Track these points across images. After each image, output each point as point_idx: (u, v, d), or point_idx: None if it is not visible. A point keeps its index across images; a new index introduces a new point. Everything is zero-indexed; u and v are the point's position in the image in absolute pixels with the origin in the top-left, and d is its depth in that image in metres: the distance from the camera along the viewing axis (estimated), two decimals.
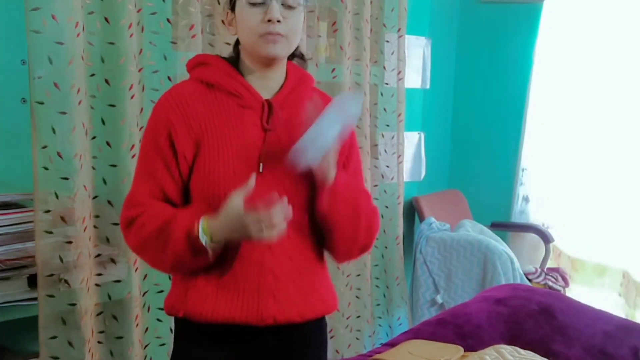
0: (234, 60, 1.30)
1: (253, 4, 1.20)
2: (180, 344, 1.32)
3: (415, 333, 1.58)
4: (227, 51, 1.95)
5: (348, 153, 1.33)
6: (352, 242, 1.29)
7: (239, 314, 1.21)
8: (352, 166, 1.34)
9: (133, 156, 1.79)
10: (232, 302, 1.21)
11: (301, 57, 1.38)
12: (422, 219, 3.11)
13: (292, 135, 1.22)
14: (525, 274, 2.88)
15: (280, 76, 1.30)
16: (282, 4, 1.20)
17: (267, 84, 1.28)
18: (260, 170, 1.22)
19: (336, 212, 1.23)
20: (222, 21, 1.96)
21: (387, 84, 2.84)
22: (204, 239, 1.14)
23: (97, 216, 1.78)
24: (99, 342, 1.81)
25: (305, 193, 1.25)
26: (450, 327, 1.51)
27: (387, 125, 2.88)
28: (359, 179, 1.38)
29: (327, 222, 1.25)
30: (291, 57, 1.33)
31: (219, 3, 1.97)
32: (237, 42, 1.31)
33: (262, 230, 1.11)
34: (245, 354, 1.26)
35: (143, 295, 1.90)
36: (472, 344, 1.43)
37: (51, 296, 1.61)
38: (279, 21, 1.19)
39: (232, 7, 1.25)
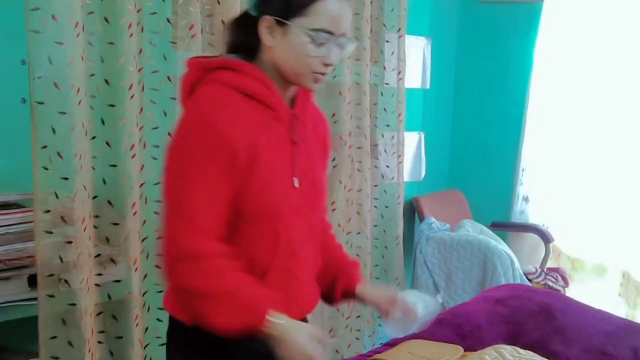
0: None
1: (316, 40, 1.17)
2: (180, 350, 1.29)
3: (415, 333, 1.57)
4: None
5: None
6: None
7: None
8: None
9: (133, 156, 1.79)
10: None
11: None
12: (422, 219, 3.11)
13: (309, 147, 1.28)
14: (525, 274, 2.88)
15: (294, 88, 1.28)
16: (338, 46, 1.21)
17: (286, 96, 1.26)
18: (296, 184, 1.24)
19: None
20: (222, 21, 1.96)
21: (387, 83, 2.84)
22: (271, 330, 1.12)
23: (97, 216, 1.78)
24: (99, 342, 1.81)
25: (325, 201, 1.35)
26: (450, 327, 1.51)
27: (387, 125, 2.88)
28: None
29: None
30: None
31: (218, 3, 1.97)
32: (254, 44, 1.23)
33: None
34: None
35: (143, 295, 1.90)
36: (472, 344, 1.43)
37: (51, 296, 1.61)
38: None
39: (280, 23, 1.18)
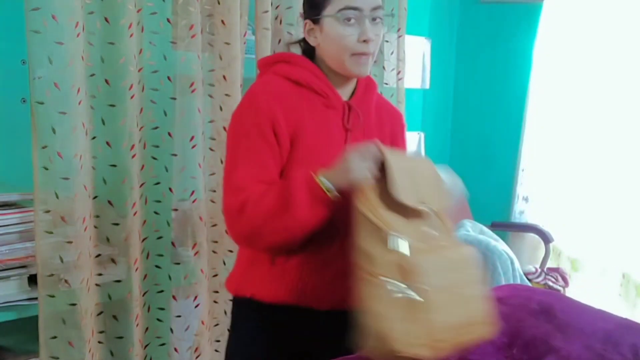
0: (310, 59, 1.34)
1: (347, 21, 1.22)
2: (243, 326, 1.39)
3: None
4: (226, 51, 1.98)
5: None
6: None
7: (302, 298, 1.28)
8: None
9: (133, 156, 1.79)
10: (296, 285, 1.29)
11: None
12: None
13: (367, 135, 1.32)
14: (525, 274, 2.88)
15: (353, 82, 1.36)
16: (372, 21, 1.24)
17: (343, 89, 1.34)
18: None
19: None
20: (222, 21, 1.96)
21: (386, 84, 2.84)
22: (324, 185, 1.17)
23: (97, 216, 1.78)
24: (99, 342, 1.81)
25: None
26: None
27: None
28: None
29: None
30: None
31: (218, 3, 1.97)
32: (306, 45, 1.35)
33: (360, 169, 1.15)
34: (303, 337, 1.33)
35: (143, 295, 1.90)
36: None
37: (51, 296, 1.61)
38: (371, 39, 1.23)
39: (315, 20, 1.27)
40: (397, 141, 1.44)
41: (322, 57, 1.31)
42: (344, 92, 1.35)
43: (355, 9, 1.21)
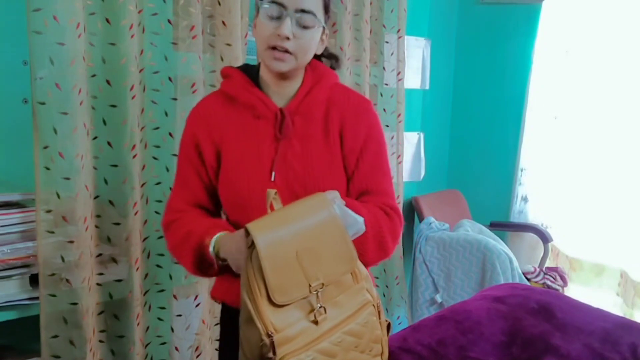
0: (256, 71, 1.34)
1: (270, 17, 1.22)
2: (223, 329, 1.46)
3: (415, 329, 1.58)
4: (227, 52, 1.99)
5: (363, 147, 1.32)
6: (378, 259, 1.32)
7: None
8: (367, 159, 1.33)
9: (134, 156, 1.80)
10: None
11: (330, 57, 1.39)
12: (421, 219, 3.12)
13: (307, 142, 1.28)
14: (524, 274, 2.89)
15: (296, 83, 1.32)
16: (298, 23, 1.22)
17: (282, 92, 1.32)
18: (272, 179, 1.26)
19: (364, 251, 1.25)
20: (223, 22, 1.97)
21: (386, 84, 2.85)
22: (212, 251, 1.23)
23: (98, 216, 1.79)
24: (100, 341, 1.82)
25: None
26: (450, 323, 1.52)
27: (387, 126, 2.89)
28: (378, 174, 1.34)
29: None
30: (319, 57, 1.35)
31: (219, 4, 1.98)
32: None
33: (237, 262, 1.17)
34: None
35: (144, 295, 1.91)
36: (473, 338, 1.44)
37: (53, 295, 1.62)
38: (288, 38, 1.21)
39: (257, 13, 1.28)
40: (348, 133, 1.31)
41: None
42: (284, 95, 1.31)
43: (279, 4, 1.21)
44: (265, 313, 1.02)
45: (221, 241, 1.22)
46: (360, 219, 1.16)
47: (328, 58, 1.39)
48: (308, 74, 1.33)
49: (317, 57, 1.34)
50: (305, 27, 1.22)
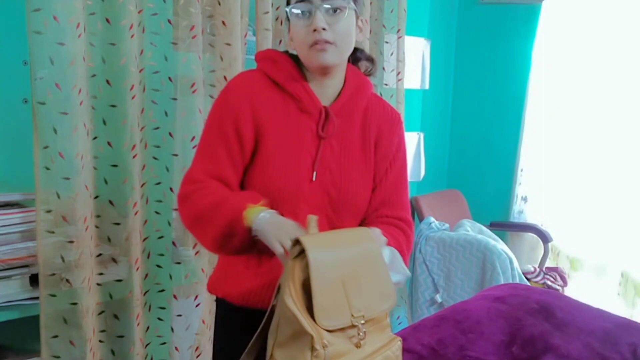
0: (299, 62, 1.31)
1: (301, 17, 1.22)
2: (219, 324, 1.39)
3: (415, 329, 1.58)
4: (227, 52, 1.99)
5: (393, 157, 1.34)
6: None
7: (269, 302, 1.21)
8: (395, 171, 1.35)
9: (134, 156, 1.80)
10: (265, 290, 1.25)
11: (368, 60, 1.38)
12: (421, 219, 3.12)
13: (344, 145, 1.27)
14: (524, 274, 2.90)
15: (338, 83, 1.31)
16: (327, 11, 1.21)
17: (325, 91, 1.30)
18: (314, 178, 1.25)
19: None
20: (223, 22, 1.97)
21: (386, 84, 2.85)
22: (247, 221, 1.15)
23: (98, 216, 1.79)
24: (100, 341, 1.82)
25: (357, 205, 1.30)
26: (450, 322, 1.52)
27: None
28: (401, 187, 1.36)
29: None
30: (356, 61, 1.35)
31: (219, 4, 1.98)
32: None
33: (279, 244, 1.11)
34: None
35: (144, 295, 1.91)
36: (473, 338, 1.44)
37: (53, 295, 1.62)
38: (324, 29, 1.20)
39: (288, 18, 1.27)
40: (383, 142, 1.34)
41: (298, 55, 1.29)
42: (326, 94, 1.29)
43: (303, 1, 1.21)
44: (316, 325, 1.00)
45: (266, 216, 1.15)
46: (408, 272, 1.19)
47: (367, 60, 1.38)
48: (350, 76, 1.32)
49: (355, 59, 1.34)
50: (336, 11, 1.21)
